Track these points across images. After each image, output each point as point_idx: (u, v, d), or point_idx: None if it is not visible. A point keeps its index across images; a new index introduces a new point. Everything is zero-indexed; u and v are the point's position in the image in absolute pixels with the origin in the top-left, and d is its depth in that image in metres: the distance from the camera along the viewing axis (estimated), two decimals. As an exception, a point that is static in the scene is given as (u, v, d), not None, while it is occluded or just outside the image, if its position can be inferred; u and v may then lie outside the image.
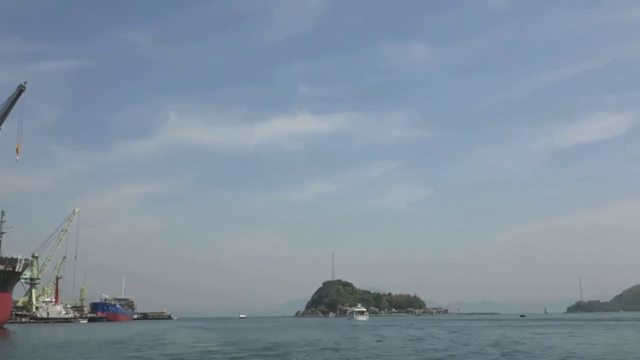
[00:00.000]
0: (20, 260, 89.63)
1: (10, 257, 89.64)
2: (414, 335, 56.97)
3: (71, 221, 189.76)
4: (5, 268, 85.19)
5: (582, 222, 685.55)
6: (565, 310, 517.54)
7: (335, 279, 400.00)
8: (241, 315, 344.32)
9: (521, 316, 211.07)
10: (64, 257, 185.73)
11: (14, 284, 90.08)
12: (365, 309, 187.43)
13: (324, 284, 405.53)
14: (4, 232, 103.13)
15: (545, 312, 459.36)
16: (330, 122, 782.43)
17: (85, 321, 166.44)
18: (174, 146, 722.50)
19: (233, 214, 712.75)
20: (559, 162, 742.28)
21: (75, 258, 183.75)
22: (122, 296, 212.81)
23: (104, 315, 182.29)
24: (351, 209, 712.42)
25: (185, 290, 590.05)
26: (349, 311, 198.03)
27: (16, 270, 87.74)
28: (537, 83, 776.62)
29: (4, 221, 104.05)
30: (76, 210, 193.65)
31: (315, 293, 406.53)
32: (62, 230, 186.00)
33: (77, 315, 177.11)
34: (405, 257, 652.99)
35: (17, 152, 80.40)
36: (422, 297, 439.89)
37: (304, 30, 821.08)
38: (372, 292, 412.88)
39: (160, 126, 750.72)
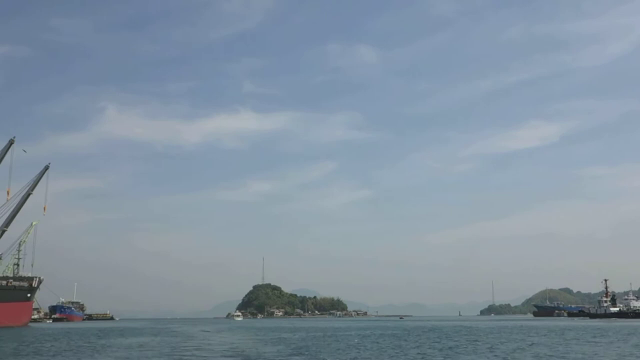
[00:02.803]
0: (35, 278, 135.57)
1: (28, 276, 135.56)
2: (268, 326, 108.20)
3: (29, 233, 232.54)
4: (29, 284, 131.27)
5: (505, 227, 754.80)
6: (479, 313, 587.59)
7: (266, 282, 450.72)
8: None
9: (400, 318, 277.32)
10: (15, 265, 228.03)
11: (33, 296, 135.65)
12: (240, 313, 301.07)
13: (254, 287, 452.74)
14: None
15: (460, 315, 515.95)
16: (273, 121, 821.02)
17: (51, 321, 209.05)
18: (109, 140, 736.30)
19: (169, 212, 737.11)
20: (493, 168, 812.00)
21: (32, 266, 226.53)
22: (74, 299, 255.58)
23: (62, 317, 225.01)
24: (289, 209, 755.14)
25: (119, 290, 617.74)
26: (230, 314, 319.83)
27: (33, 285, 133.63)
28: (476, 89, 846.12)
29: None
30: (33, 223, 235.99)
31: (246, 296, 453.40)
32: (20, 242, 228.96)
33: (41, 316, 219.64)
34: (339, 258, 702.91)
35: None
36: (353, 299, 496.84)
37: (252, 27, 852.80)
38: (299, 295, 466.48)
39: (95, 119, 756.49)
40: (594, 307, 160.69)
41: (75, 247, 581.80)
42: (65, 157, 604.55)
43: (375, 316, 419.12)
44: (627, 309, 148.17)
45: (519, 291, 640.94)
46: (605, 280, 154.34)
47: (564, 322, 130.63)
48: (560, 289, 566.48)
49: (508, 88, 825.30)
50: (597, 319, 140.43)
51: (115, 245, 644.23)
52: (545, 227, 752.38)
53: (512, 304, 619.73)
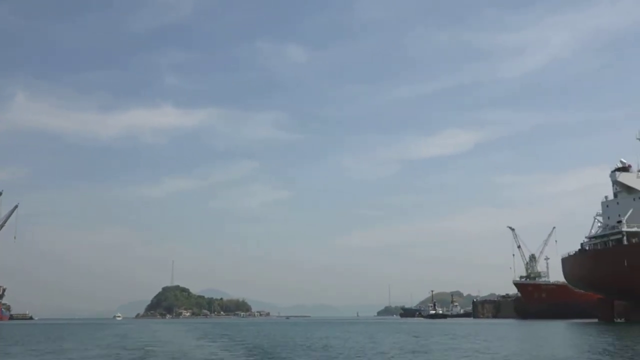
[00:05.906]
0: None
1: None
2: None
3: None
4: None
5: (414, 231, 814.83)
6: (376, 314, 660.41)
7: (175, 283, 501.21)
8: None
9: (287, 318, 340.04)
10: None
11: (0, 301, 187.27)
12: (120, 315, 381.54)
13: (163, 289, 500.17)
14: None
15: (357, 316, 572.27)
16: (196, 117, 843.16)
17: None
18: (17, 130, 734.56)
19: (78, 207, 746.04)
20: (409, 173, 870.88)
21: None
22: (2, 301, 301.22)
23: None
24: (207, 207, 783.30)
25: (35, 288, 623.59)
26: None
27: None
28: (401, 94, 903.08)
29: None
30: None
31: (155, 297, 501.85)
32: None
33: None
34: (254, 258, 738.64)
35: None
36: (264, 299, 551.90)
37: (179, 20, 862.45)
38: (208, 296, 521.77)
39: (2, 106, 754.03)
40: (424, 310, 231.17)
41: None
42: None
43: (277, 317, 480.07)
44: (446, 312, 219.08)
45: (416, 293, 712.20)
46: (432, 291, 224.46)
47: (396, 320, 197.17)
48: (452, 292, 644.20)
49: (430, 94, 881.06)
50: (422, 318, 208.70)
51: (19, 243, 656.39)
52: (451, 232, 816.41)
53: (407, 306, 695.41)
